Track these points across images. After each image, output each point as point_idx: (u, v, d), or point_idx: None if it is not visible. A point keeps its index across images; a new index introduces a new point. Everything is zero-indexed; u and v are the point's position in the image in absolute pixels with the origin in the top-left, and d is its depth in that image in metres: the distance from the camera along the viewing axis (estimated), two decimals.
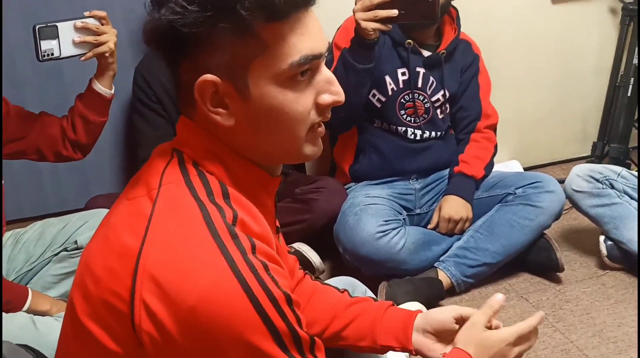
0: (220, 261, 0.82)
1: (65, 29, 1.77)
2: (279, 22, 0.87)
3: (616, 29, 2.86)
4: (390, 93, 2.23)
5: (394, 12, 1.90)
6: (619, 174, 2.17)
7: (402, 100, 2.25)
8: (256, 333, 0.82)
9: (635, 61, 2.73)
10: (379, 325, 1.21)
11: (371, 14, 1.91)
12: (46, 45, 1.74)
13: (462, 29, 2.32)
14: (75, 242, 1.94)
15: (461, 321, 1.17)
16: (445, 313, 1.19)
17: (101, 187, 2.65)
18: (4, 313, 1.66)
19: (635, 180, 2.17)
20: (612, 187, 2.15)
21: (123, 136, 2.69)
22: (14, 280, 1.90)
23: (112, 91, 1.96)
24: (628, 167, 2.37)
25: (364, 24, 1.93)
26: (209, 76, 0.87)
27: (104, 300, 0.87)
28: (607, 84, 2.90)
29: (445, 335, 1.19)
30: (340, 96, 0.94)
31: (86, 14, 1.82)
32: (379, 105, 2.24)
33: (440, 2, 1.97)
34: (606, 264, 2.21)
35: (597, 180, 2.16)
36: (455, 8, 2.30)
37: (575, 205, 2.23)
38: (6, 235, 1.97)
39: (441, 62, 2.25)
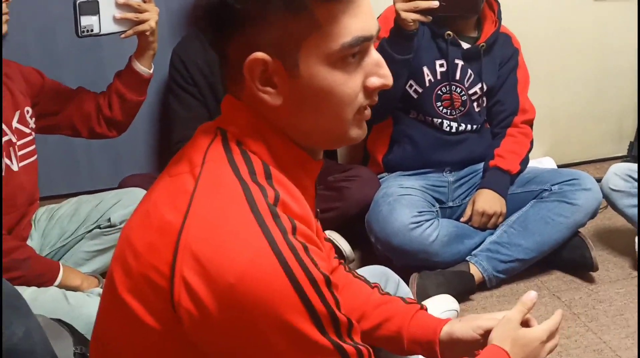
0: (261, 240, 0.82)
1: (106, 4, 1.74)
2: (334, 1, 0.86)
3: None
4: (427, 84, 2.21)
5: (435, 3, 1.90)
6: None
7: (439, 92, 2.23)
8: (294, 313, 0.81)
9: None
10: (405, 333, 1.21)
11: (412, 4, 1.91)
12: (86, 21, 1.71)
13: (502, 22, 2.29)
14: (109, 220, 1.96)
15: (485, 335, 1.15)
16: (469, 331, 1.17)
17: (133, 167, 2.67)
18: (36, 288, 1.68)
19: None
20: None
21: (157, 116, 2.70)
22: (47, 254, 1.93)
23: (151, 71, 1.96)
24: None
25: (404, 15, 1.92)
26: (259, 54, 0.87)
27: (144, 275, 0.87)
28: None
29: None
30: (389, 79, 0.93)
31: None
32: (415, 96, 2.23)
33: None
34: None
35: (635, 179, 2.13)
36: (496, 0, 2.28)
37: (611, 204, 2.20)
38: (41, 210, 2.00)
39: (480, 55, 2.22)
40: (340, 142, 0.99)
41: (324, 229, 2.16)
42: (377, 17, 2.20)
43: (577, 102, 2.93)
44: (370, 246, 2.15)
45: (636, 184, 2.14)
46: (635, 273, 2.19)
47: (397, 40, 2.01)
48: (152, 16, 1.82)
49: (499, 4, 2.28)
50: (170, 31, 2.55)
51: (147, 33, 1.84)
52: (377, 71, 0.92)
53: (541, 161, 2.79)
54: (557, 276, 2.18)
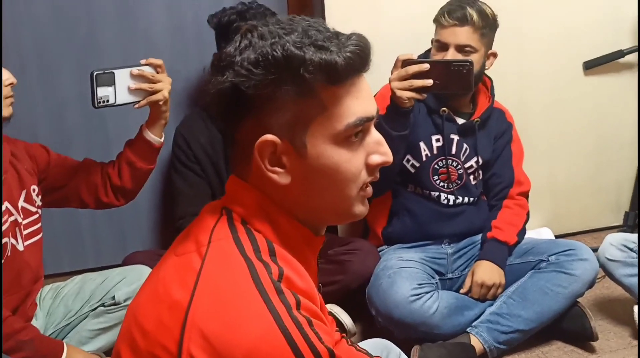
0: (267, 316, 0.85)
1: (122, 76, 1.78)
2: (338, 85, 0.93)
3: None
4: (424, 159, 2.27)
5: (429, 82, 1.95)
6: None
7: (436, 166, 2.29)
8: None
9: None
10: None
11: (407, 83, 1.97)
12: (102, 92, 1.75)
13: (496, 97, 2.37)
14: (113, 298, 1.97)
15: None
16: None
17: (138, 243, 2.71)
18: None
19: None
20: None
21: (161, 193, 2.75)
22: (51, 333, 1.93)
23: (162, 140, 1.98)
24: None
25: (399, 93, 1.98)
26: (269, 136, 0.92)
27: (152, 354, 0.89)
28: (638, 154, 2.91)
29: None
30: (389, 157, 0.99)
31: (142, 61, 1.84)
32: (412, 170, 2.29)
33: (474, 73, 2.04)
34: None
35: (631, 249, 2.15)
36: (489, 77, 2.36)
37: (608, 274, 2.22)
38: (46, 289, 2.01)
39: (475, 130, 2.29)
40: (344, 218, 1.03)
41: (326, 303, 2.19)
42: (374, 95, 2.28)
43: (575, 174, 2.98)
44: (372, 319, 2.16)
45: (633, 254, 2.16)
46: (635, 342, 2.19)
47: (394, 117, 2.07)
48: (165, 86, 1.86)
49: (491, 81, 2.37)
50: (174, 110, 2.61)
51: (160, 103, 1.87)
52: (378, 149, 0.98)
53: (539, 232, 2.82)
54: (558, 347, 2.18)
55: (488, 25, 2.17)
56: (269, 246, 0.94)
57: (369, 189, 1.00)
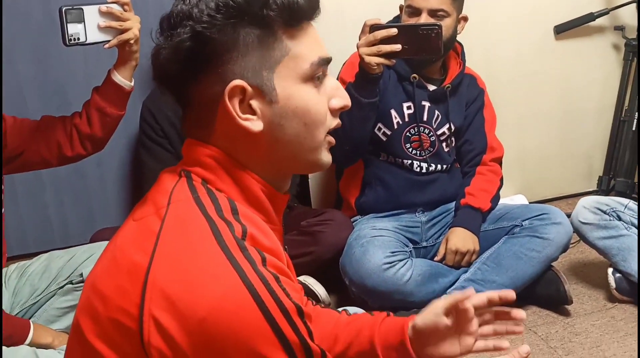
0: (231, 273, 0.82)
1: (91, 13, 1.73)
2: (296, 27, 0.92)
3: (619, 64, 2.88)
4: (395, 127, 2.25)
5: (397, 46, 1.92)
6: (626, 206, 2.16)
7: (408, 133, 2.26)
8: (267, 344, 0.81)
9: None
10: (377, 342, 1.19)
11: (375, 48, 1.93)
12: (73, 29, 1.70)
13: (466, 64, 2.34)
14: (81, 275, 1.93)
15: (451, 312, 1.14)
16: (430, 316, 1.14)
17: (106, 221, 2.66)
18: (6, 347, 1.65)
19: None
20: (619, 219, 2.14)
21: (129, 170, 2.70)
22: (17, 313, 1.89)
23: (132, 83, 1.91)
24: (635, 201, 2.35)
25: (367, 59, 1.94)
26: (238, 81, 0.89)
27: (112, 319, 0.86)
28: (612, 119, 2.91)
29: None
30: (347, 100, 0.99)
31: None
32: (384, 138, 2.26)
33: (445, 38, 2.01)
34: (615, 297, 2.19)
35: (604, 212, 2.15)
36: (460, 43, 2.33)
37: (582, 237, 2.22)
38: (11, 268, 1.96)
39: (446, 96, 2.27)
40: (311, 167, 1.02)
41: (299, 274, 2.18)
42: (344, 63, 2.26)
43: (546, 142, 2.98)
44: (346, 290, 2.14)
45: (606, 216, 2.16)
46: (610, 305, 2.20)
47: (363, 84, 2.03)
48: (134, 24, 1.80)
49: (462, 46, 2.34)
50: (140, 85, 2.56)
51: (132, 41, 1.81)
52: (337, 93, 0.98)
53: (513, 199, 2.82)
54: (533, 311, 2.18)
55: None
56: (231, 205, 0.92)
57: (331, 138, 1.00)
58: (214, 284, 0.81)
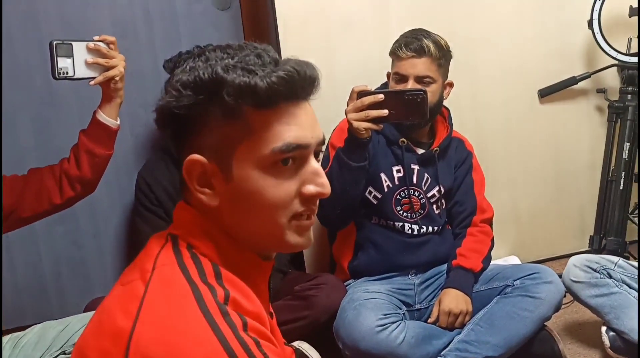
0: (211, 338, 0.83)
1: (79, 49, 1.79)
2: (267, 109, 0.92)
3: (604, 125, 2.95)
4: (386, 190, 2.28)
5: (384, 112, 1.96)
6: (615, 264, 2.18)
7: (398, 196, 2.30)
8: None
9: (625, 155, 2.79)
10: None
11: (362, 114, 1.98)
12: (62, 63, 1.75)
13: (454, 126, 2.40)
14: (74, 345, 1.92)
15: None
16: None
17: (104, 291, 2.63)
18: None
19: (633, 269, 2.18)
20: (610, 276, 2.16)
21: (125, 240, 2.72)
22: None
23: (118, 122, 1.92)
24: (624, 258, 2.37)
25: (356, 124, 1.99)
26: (195, 156, 0.93)
27: None
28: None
29: None
30: (325, 189, 0.97)
31: (95, 37, 1.84)
32: (375, 202, 2.29)
33: (431, 103, 2.07)
34: (610, 355, 2.17)
35: (595, 270, 2.17)
36: (447, 108, 2.39)
37: (574, 296, 2.23)
38: (5, 339, 1.95)
39: (435, 159, 2.31)
40: (280, 247, 1.00)
41: (294, 339, 2.17)
42: (334, 129, 2.31)
43: (538, 202, 3.02)
44: (341, 355, 2.13)
45: (597, 275, 2.17)
46: None
47: (352, 149, 2.08)
48: (120, 62, 1.85)
49: (449, 111, 2.40)
50: (136, 155, 2.63)
51: (117, 78, 1.85)
52: (313, 179, 0.97)
53: (507, 260, 2.83)
54: None
55: (444, 55, 2.22)
56: (214, 270, 0.94)
57: (307, 222, 0.99)
58: (195, 349, 0.82)
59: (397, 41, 2.24)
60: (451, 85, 2.31)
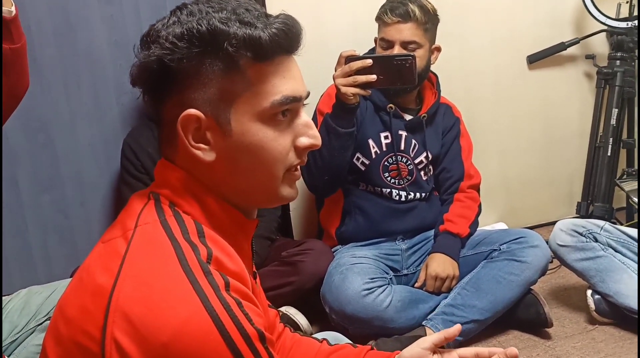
0: (193, 298, 0.82)
1: None
2: (264, 62, 0.92)
3: (593, 92, 2.94)
4: (373, 156, 2.28)
5: (373, 77, 1.96)
6: (602, 228, 2.19)
7: (386, 163, 2.29)
8: None
9: (613, 121, 2.79)
10: None
11: (350, 79, 1.97)
12: None
13: (444, 94, 2.39)
14: None
15: (432, 349, 1.18)
16: (416, 349, 1.20)
17: None
18: None
19: (619, 233, 2.19)
20: (596, 240, 2.17)
21: (113, 208, 2.71)
22: None
23: (12, 9, 1.56)
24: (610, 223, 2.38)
25: (344, 89, 1.99)
26: (193, 111, 0.91)
27: (75, 341, 0.87)
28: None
29: None
30: (317, 140, 0.98)
31: None
32: (363, 168, 2.29)
33: (419, 68, 2.06)
34: (595, 318, 2.20)
35: (581, 234, 2.18)
36: (434, 74, 2.38)
37: (560, 260, 2.24)
38: None
39: (423, 126, 2.30)
40: (272, 200, 1.01)
41: (281, 305, 2.18)
42: (322, 95, 2.30)
43: (526, 168, 3.03)
44: (328, 320, 2.15)
45: (582, 238, 2.18)
46: (590, 327, 2.20)
47: (340, 114, 2.07)
48: None
49: (437, 77, 2.39)
50: (122, 123, 2.60)
51: None
52: (306, 132, 0.97)
53: (494, 227, 2.83)
54: (514, 336, 2.18)
55: (430, 20, 2.20)
56: (197, 228, 0.93)
57: (297, 173, 1.00)
58: (176, 308, 0.82)
59: (383, 6, 2.22)
60: (439, 49, 2.30)
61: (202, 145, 0.93)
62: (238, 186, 0.96)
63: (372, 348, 1.26)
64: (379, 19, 2.22)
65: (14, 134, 2.50)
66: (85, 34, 2.51)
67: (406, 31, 2.15)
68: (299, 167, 1.00)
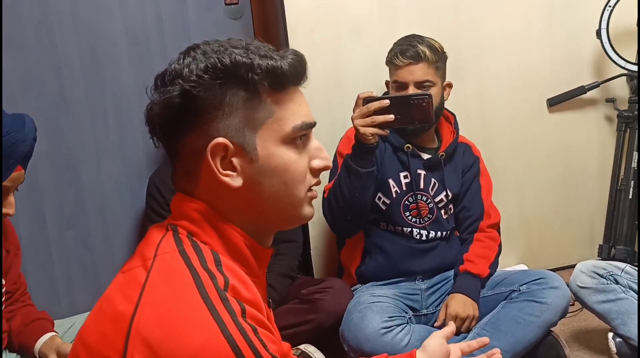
0: (210, 323, 0.85)
1: None
2: (281, 91, 0.99)
3: (613, 135, 2.94)
4: (394, 195, 2.30)
5: (390, 117, 2.00)
6: (622, 270, 2.18)
7: (406, 202, 2.31)
8: None
9: (634, 164, 2.79)
10: None
11: (369, 119, 2.01)
12: None
13: (462, 133, 2.41)
14: None
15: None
16: (437, 338, 1.38)
17: None
18: None
19: None
20: (617, 282, 2.15)
21: (136, 244, 2.73)
22: None
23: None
24: (632, 265, 2.36)
25: (362, 130, 2.03)
26: (221, 139, 0.96)
27: None
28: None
29: None
30: (329, 161, 1.06)
31: None
32: (384, 207, 2.31)
33: (434, 105, 2.09)
34: None
35: (601, 276, 2.16)
36: (452, 113, 2.41)
37: (581, 302, 2.22)
38: None
39: (441, 164, 2.33)
40: (294, 220, 1.07)
41: (300, 342, 2.18)
42: (341, 138, 2.33)
43: (547, 210, 3.01)
44: None
45: (603, 280, 2.17)
46: None
47: (360, 155, 2.10)
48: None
49: (454, 116, 2.42)
50: (148, 160, 2.66)
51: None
52: (319, 154, 1.05)
53: (515, 269, 2.82)
54: None
55: (440, 58, 2.26)
56: (214, 257, 0.96)
57: (315, 192, 1.06)
58: (194, 333, 0.84)
59: (391, 50, 2.28)
60: (450, 86, 2.34)
61: (229, 172, 0.98)
62: (260, 211, 1.01)
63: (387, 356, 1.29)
64: (390, 62, 2.28)
65: (42, 171, 2.57)
66: (112, 75, 2.59)
67: (419, 71, 2.20)
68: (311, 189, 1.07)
